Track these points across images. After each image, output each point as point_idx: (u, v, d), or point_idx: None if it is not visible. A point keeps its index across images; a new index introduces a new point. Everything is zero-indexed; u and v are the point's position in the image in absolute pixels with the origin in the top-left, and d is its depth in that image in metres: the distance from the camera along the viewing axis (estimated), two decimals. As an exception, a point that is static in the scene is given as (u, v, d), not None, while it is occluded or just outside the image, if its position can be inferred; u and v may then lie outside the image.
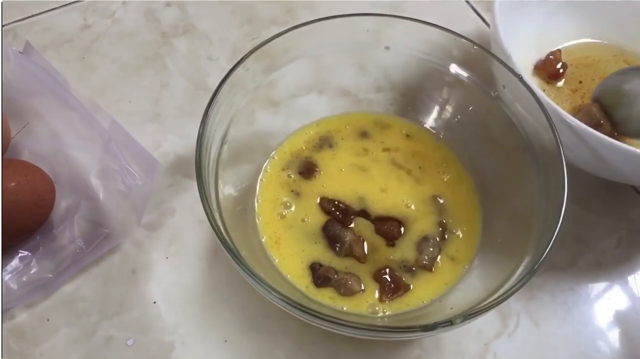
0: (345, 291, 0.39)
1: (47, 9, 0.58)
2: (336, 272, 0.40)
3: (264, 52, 0.41)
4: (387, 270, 0.39)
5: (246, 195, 0.43)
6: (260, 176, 0.44)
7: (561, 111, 0.39)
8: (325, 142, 0.46)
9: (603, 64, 0.53)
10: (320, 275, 0.39)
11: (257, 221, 0.42)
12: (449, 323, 0.31)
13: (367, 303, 0.39)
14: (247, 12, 0.58)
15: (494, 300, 0.32)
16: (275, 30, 0.57)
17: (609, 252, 0.46)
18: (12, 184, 0.40)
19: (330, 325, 0.33)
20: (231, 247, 0.34)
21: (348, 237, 0.41)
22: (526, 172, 0.40)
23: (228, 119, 0.41)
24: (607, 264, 0.45)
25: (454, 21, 0.58)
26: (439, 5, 0.61)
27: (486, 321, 0.41)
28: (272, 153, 0.45)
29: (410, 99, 0.48)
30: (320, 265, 0.40)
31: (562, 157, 0.36)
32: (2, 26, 0.56)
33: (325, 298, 0.39)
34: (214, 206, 0.36)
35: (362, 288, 0.39)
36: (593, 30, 0.54)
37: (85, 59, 0.54)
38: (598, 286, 0.44)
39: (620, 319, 0.43)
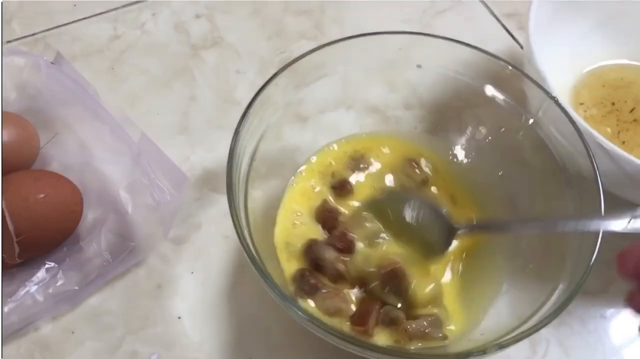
0: None
1: (77, 19, 0.58)
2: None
3: (295, 68, 0.41)
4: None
5: (273, 211, 0.42)
6: (287, 191, 0.44)
7: (598, 135, 0.38)
8: (357, 163, 0.45)
9: (636, 86, 0.52)
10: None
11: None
12: (482, 352, 0.31)
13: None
14: (276, 26, 0.58)
15: (528, 329, 0.32)
16: (304, 45, 0.57)
17: (640, 278, 0.45)
18: (42, 196, 0.40)
19: (361, 350, 0.32)
20: (260, 267, 0.33)
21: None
22: (560, 197, 0.39)
23: (258, 135, 0.41)
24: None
25: (484, 39, 0.58)
26: (469, 22, 0.60)
27: (515, 347, 0.40)
28: (300, 169, 0.45)
29: (439, 117, 0.47)
30: None
31: (599, 184, 0.35)
32: (2, 28, 0.56)
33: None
34: (244, 223, 0.36)
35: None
36: (628, 52, 0.53)
37: (114, 70, 0.54)
38: (629, 314, 0.43)
39: (653, 348, 0.42)
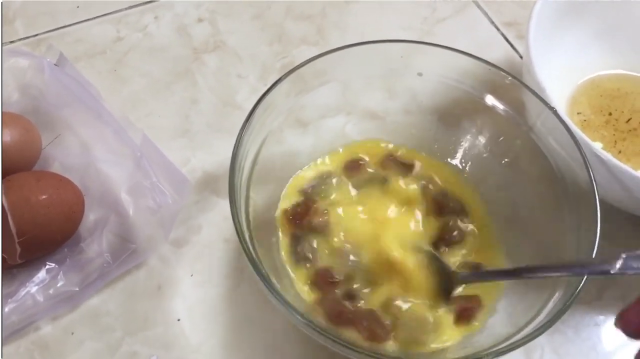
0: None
1: (80, 20, 0.58)
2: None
3: (297, 74, 0.42)
4: None
5: (271, 216, 0.43)
6: (281, 199, 0.44)
7: (595, 146, 0.39)
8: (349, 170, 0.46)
9: (633, 97, 0.52)
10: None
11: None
12: (479, 359, 0.31)
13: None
14: (278, 31, 0.59)
15: (524, 337, 0.32)
16: (305, 50, 0.57)
17: (634, 286, 0.45)
18: (44, 197, 0.40)
19: (353, 353, 0.32)
20: (262, 271, 0.34)
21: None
22: (557, 207, 0.39)
23: (260, 139, 0.41)
24: (632, 299, 0.44)
25: (483, 46, 0.59)
26: (469, 31, 0.61)
27: (510, 354, 0.41)
28: (297, 173, 0.45)
29: (438, 124, 0.47)
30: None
31: (596, 194, 0.36)
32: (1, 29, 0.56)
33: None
34: (244, 227, 0.36)
35: None
36: (625, 62, 0.53)
37: (116, 72, 0.54)
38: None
39: (646, 356, 0.42)
